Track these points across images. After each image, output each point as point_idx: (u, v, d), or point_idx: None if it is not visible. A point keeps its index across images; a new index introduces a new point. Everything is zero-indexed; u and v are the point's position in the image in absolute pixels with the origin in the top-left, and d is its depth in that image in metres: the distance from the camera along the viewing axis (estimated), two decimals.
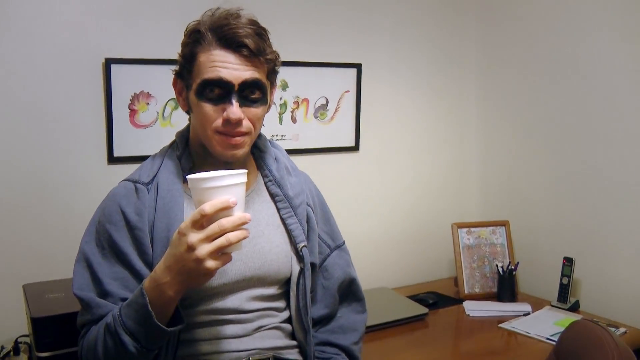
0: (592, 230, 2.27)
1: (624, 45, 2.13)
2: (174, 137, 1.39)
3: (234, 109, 1.21)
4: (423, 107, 2.65)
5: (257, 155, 1.41)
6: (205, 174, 1.11)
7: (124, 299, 1.20)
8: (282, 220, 1.36)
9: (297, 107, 2.29)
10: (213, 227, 1.04)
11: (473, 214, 2.80)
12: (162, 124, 2.04)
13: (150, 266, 1.22)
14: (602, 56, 2.20)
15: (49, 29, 1.87)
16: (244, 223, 1.06)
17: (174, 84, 1.33)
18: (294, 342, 1.38)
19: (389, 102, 2.55)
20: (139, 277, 1.22)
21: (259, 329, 1.31)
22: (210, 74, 1.20)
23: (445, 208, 2.74)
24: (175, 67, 1.31)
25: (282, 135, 2.26)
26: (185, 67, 1.26)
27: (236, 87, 1.21)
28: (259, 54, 1.23)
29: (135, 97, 1.99)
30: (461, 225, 2.50)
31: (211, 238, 1.04)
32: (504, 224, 2.54)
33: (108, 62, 1.93)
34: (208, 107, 1.22)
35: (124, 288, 1.22)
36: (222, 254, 1.07)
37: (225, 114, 1.21)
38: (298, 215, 1.37)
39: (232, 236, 1.04)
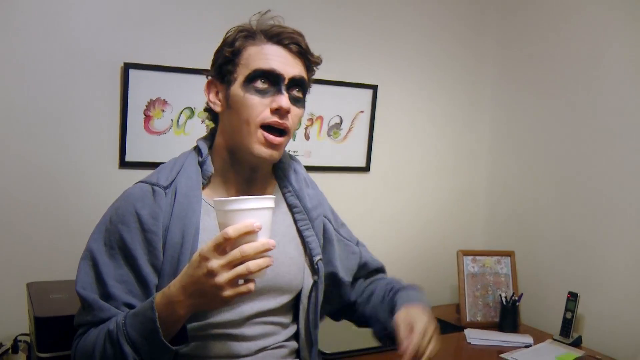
0: (598, 267, 2.25)
1: None
2: (193, 145, 1.37)
3: (285, 99, 1.21)
4: (435, 133, 2.65)
5: (276, 166, 1.40)
6: (235, 198, 1.09)
7: (126, 304, 1.18)
8: (299, 232, 1.35)
9: (311, 124, 2.30)
10: (234, 253, 1.01)
11: (478, 242, 2.79)
12: (176, 132, 2.05)
13: (158, 272, 1.20)
14: (621, 91, 2.21)
15: (69, 31, 1.89)
16: (268, 250, 1.02)
17: (208, 86, 1.31)
18: None
19: (401, 126, 2.55)
20: (143, 283, 1.19)
21: (263, 349, 1.29)
22: (262, 64, 1.21)
23: (451, 234, 2.73)
24: (208, 73, 1.32)
25: (294, 151, 2.26)
26: (230, 61, 1.25)
27: (286, 81, 1.22)
28: (307, 52, 1.28)
29: (151, 103, 2.00)
30: (466, 253, 2.49)
31: (232, 264, 1.01)
32: (509, 254, 2.53)
33: (127, 67, 1.94)
34: (255, 99, 1.21)
35: (128, 292, 1.19)
36: (245, 280, 1.05)
37: (275, 103, 1.21)
38: (315, 228, 1.35)
39: (252, 265, 1.01)
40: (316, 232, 1.35)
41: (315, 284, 1.33)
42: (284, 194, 1.37)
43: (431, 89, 2.62)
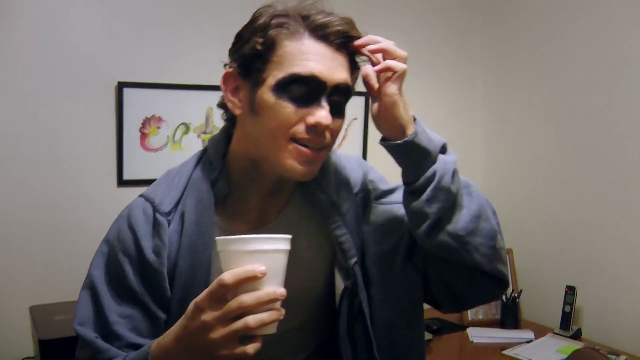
0: (595, 259, 2.28)
1: None
2: (200, 149, 1.15)
3: (326, 114, 0.97)
4: None
5: None
6: (238, 237, 0.90)
7: (131, 345, 1.01)
8: (329, 232, 1.10)
9: None
10: (231, 305, 0.83)
11: None
12: (172, 148, 2.07)
13: (166, 311, 1.03)
14: (611, 86, 2.23)
15: (64, 52, 1.91)
16: (274, 300, 0.84)
17: (226, 79, 1.04)
18: None
19: None
20: (152, 318, 1.03)
21: None
22: (301, 68, 0.96)
23: None
24: (226, 61, 1.06)
25: None
26: (260, 57, 0.99)
27: (328, 89, 0.98)
28: (356, 52, 1.04)
29: (146, 121, 2.02)
30: None
31: (228, 318, 0.84)
32: (507, 251, 2.54)
33: (121, 86, 1.97)
34: (289, 108, 0.97)
35: (132, 330, 1.02)
36: (252, 336, 0.86)
37: (312, 118, 0.97)
38: (348, 225, 1.11)
39: (252, 320, 0.83)
40: (349, 229, 1.10)
41: (347, 290, 1.10)
42: (307, 190, 1.12)
43: (422, 93, 2.64)
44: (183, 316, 0.90)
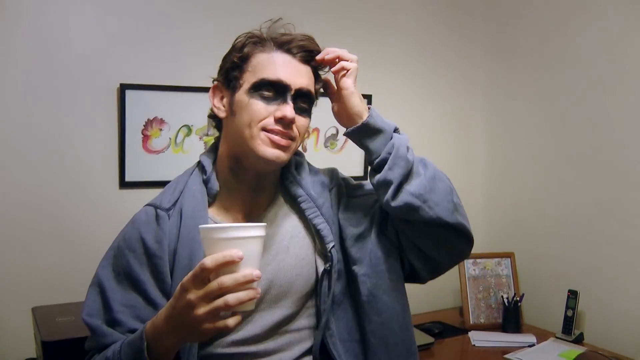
0: (597, 263, 2.28)
1: None
2: (194, 161, 1.33)
3: (290, 109, 1.18)
4: (430, 139, 2.67)
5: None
6: (217, 225, 1.01)
7: (132, 330, 1.14)
8: (309, 222, 1.28)
9: (308, 136, 2.31)
10: (212, 285, 0.95)
11: (478, 245, 2.77)
12: (174, 150, 2.07)
13: (167, 296, 1.16)
14: (612, 90, 2.23)
15: (66, 53, 1.92)
16: (250, 281, 0.95)
17: (213, 91, 1.27)
18: None
19: None
20: (153, 305, 1.16)
21: None
22: (269, 73, 1.18)
23: None
24: (214, 77, 1.29)
25: None
26: (238, 67, 1.22)
27: (292, 92, 1.19)
28: (318, 65, 1.26)
29: (148, 123, 2.02)
30: None
31: (210, 297, 0.95)
32: (509, 255, 2.55)
33: (123, 88, 1.97)
34: (260, 104, 1.18)
35: (134, 317, 1.16)
36: (233, 312, 0.98)
37: (279, 112, 1.17)
38: (324, 215, 1.27)
39: (231, 298, 0.94)
40: (326, 218, 1.27)
41: (326, 272, 1.24)
42: (286, 185, 1.31)
43: (424, 97, 2.65)
44: (172, 297, 1.02)
